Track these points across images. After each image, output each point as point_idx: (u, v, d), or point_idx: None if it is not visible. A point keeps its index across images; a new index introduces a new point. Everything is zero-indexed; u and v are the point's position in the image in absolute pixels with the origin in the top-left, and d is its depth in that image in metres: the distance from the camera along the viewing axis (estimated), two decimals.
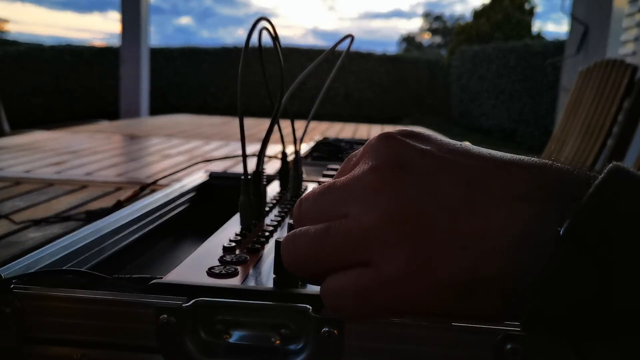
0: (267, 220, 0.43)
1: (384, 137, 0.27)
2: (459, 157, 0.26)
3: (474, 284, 0.24)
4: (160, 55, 9.80)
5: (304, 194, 0.29)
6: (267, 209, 0.46)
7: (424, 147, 0.27)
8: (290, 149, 0.54)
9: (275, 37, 0.45)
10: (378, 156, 0.27)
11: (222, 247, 0.36)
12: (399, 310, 0.25)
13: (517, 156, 0.26)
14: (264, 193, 0.45)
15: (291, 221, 0.34)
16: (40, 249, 0.36)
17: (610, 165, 0.24)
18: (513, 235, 0.23)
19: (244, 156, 0.43)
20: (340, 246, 0.26)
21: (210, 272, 0.31)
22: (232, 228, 0.41)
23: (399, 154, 0.26)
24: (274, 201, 0.50)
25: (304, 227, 0.27)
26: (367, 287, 0.25)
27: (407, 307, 0.25)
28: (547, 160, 0.25)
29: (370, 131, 2.26)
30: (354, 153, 0.30)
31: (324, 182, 0.48)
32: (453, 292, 0.24)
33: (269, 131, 0.44)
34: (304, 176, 0.59)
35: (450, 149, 0.27)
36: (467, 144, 0.28)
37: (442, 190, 0.25)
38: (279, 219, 0.44)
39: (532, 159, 0.26)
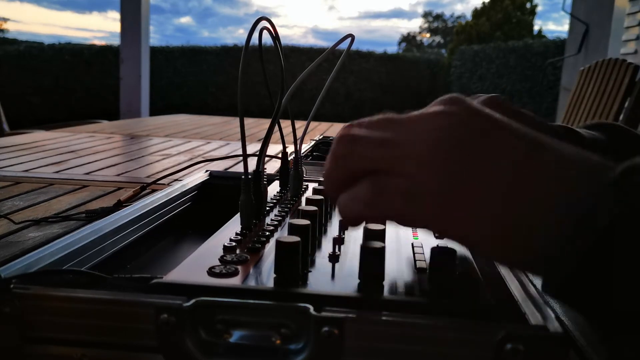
0: (268, 220, 0.43)
1: (455, 98, 0.29)
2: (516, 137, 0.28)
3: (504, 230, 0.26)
4: (160, 55, 9.80)
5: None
6: (267, 208, 0.46)
7: (492, 118, 0.28)
8: (290, 149, 0.54)
9: (275, 37, 0.45)
10: (447, 106, 0.29)
11: (222, 247, 0.36)
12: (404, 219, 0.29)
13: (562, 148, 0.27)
14: (264, 193, 0.45)
15: (291, 221, 0.34)
16: (40, 249, 0.36)
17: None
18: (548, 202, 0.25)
19: (245, 156, 0.43)
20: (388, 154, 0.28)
21: (211, 272, 0.31)
22: (232, 228, 0.41)
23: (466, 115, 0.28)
24: (274, 201, 0.50)
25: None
26: (390, 189, 0.28)
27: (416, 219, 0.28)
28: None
29: None
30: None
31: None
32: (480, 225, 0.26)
33: (269, 131, 0.44)
34: (304, 176, 0.59)
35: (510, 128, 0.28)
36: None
37: (494, 156, 0.27)
38: (279, 218, 0.44)
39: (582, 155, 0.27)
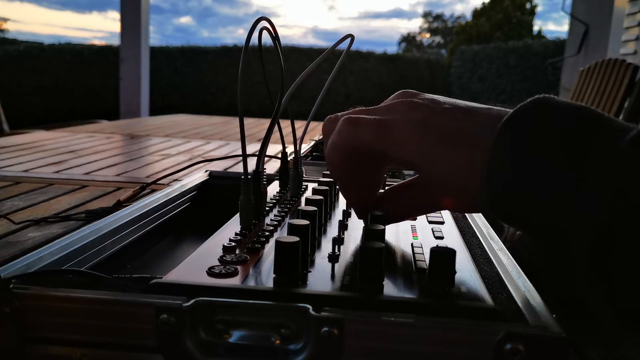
0: (267, 220, 0.43)
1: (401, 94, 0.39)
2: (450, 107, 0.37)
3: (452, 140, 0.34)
4: (160, 55, 9.80)
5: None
6: (267, 208, 0.46)
7: (435, 97, 0.38)
8: (290, 149, 0.54)
9: (275, 37, 0.45)
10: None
11: (222, 247, 0.36)
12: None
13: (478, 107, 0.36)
14: (264, 193, 0.45)
15: (291, 221, 0.34)
16: (40, 249, 0.36)
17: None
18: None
19: (244, 156, 0.43)
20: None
21: (210, 272, 0.31)
22: (232, 228, 0.41)
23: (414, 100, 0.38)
24: (274, 201, 0.50)
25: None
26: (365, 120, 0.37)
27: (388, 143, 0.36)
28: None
29: None
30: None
31: (324, 181, 0.48)
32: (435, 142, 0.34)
33: (269, 131, 0.44)
34: (304, 176, 0.59)
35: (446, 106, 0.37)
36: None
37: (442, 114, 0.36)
38: (279, 218, 0.44)
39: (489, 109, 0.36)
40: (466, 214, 0.51)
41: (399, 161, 0.38)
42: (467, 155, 0.33)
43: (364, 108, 0.39)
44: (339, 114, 0.40)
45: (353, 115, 0.38)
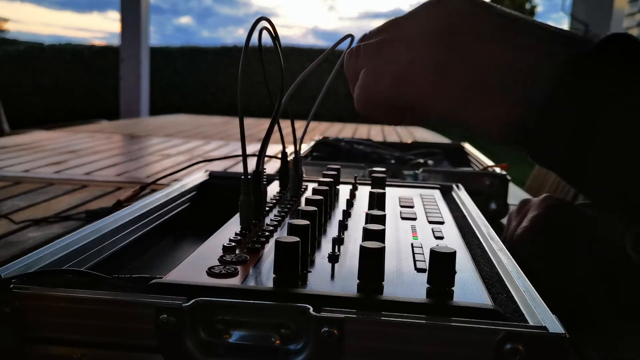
0: (267, 220, 0.43)
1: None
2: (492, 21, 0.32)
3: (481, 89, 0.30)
4: (160, 55, 9.78)
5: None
6: (267, 208, 0.46)
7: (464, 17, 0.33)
8: (290, 149, 0.54)
9: (275, 37, 0.45)
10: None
11: (222, 247, 0.36)
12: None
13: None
14: (264, 193, 0.45)
15: (291, 221, 0.34)
16: (40, 249, 0.36)
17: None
18: (521, 68, 0.30)
19: (244, 156, 0.43)
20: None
21: (210, 272, 0.31)
22: (232, 228, 0.41)
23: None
24: (274, 201, 0.50)
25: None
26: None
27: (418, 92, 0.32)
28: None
29: (370, 131, 2.26)
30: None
31: (324, 181, 0.48)
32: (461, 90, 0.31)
33: (269, 131, 0.44)
34: (304, 176, 0.59)
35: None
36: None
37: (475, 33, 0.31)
38: (279, 218, 0.44)
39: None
40: (465, 215, 0.51)
41: (425, 113, 0.35)
42: (507, 108, 0.30)
43: (384, 29, 0.36)
44: (360, 45, 0.36)
45: (374, 66, 0.35)
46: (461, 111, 0.31)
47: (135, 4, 4.71)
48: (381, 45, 0.35)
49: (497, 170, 0.80)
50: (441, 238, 0.41)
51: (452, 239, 0.41)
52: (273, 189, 0.56)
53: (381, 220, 0.39)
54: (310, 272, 0.33)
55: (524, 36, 0.31)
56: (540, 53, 0.30)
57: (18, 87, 9.11)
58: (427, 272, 0.32)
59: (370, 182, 0.57)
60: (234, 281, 0.31)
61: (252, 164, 0.44)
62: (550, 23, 0.33)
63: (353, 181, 0.58)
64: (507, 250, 0.40)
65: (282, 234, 0.40)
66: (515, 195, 0.90)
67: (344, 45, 0.47)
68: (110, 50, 9.58)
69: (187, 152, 1.38)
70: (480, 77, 0.30)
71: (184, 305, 0.28)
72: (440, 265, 0.31)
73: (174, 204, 0.56)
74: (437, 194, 0.58)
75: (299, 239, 0.30)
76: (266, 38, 0.44)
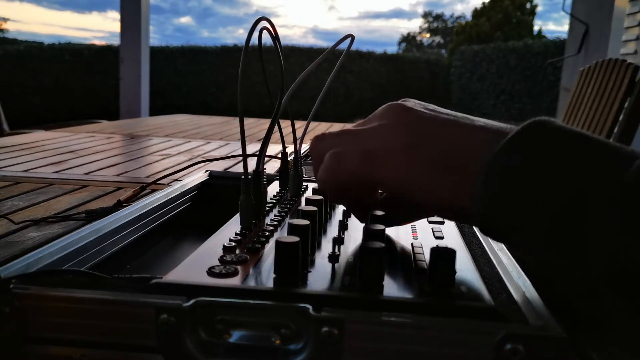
0: (267, 220, 0.43)
1: (393, 104, 0.38)
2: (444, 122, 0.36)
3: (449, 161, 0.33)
4: (160, 55, 9.80)
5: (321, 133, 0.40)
6: (267, 208, 0.46)
7: (423, 111, 0.37)
8: (290, 149, 0.54)
9: (275, 37, 0.45)
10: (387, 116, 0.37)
11: (222, 247, 0.36)
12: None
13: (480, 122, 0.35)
14: (264, 193, 0.45)
15: (291, 221, 0.34)
16: (40, 249, 0.36)
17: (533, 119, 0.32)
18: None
19: (244, 156, 0.43)
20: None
21: (210, 272, 0.31)
22: (232, 228, 0.41)
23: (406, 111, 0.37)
24: (274, 201, 0.50)
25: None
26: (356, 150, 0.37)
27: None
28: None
29: None
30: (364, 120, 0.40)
31: None
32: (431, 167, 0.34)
33: (269, 131, 0.44)
34: (304, 176, 0.59)
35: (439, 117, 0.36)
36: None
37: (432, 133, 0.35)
38: (279, 218, 0.44)
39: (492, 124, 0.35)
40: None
41: (389, 191, 0.39)
42: (459, 181, 0.33)
43: (353, 127, 0.39)
44: (326, 133, 0.39)
45: (338, 150, 0.37)
46: (426, 186, 0.34)
47: (135, 4, 4.72)
48: (348, 131, 0.38)
49: None
50: (441, 238, 0.41)
51: (452, 239, 0.41)
52: (273, 189, 0.56)
53: (381, 220, 0.39)
54: (310, 272, 0.33)
55: (474, 122, 0.35)
56: (489, 134, 0.33)
57: (18, 87, 9.11)
58: (427, 272, 0.32)
59: None
60: (234, 281, 0.31)
61: (252, 164, 0.44)
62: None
63: None
64: (507, 250, 0.40)
65: (282, 234, 0.40)
66: None
67: (344, 45, 0.47)
68: (110, 50, 9.59)
69: (187, 152, 1.38)
70: (444, 154, 0.34)
71: (184, 305, 0.28)
72: (441, 265, 0.31)
73: (174, 204, 0.56)
74: None
75: (299, 239, 0.30)
76: (266, 38, 0.45)
